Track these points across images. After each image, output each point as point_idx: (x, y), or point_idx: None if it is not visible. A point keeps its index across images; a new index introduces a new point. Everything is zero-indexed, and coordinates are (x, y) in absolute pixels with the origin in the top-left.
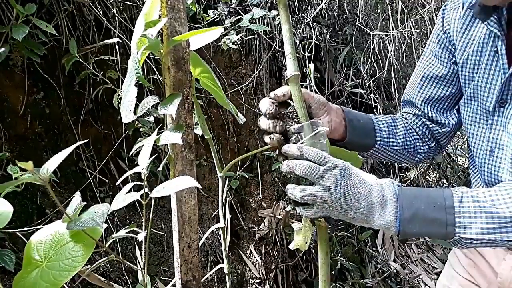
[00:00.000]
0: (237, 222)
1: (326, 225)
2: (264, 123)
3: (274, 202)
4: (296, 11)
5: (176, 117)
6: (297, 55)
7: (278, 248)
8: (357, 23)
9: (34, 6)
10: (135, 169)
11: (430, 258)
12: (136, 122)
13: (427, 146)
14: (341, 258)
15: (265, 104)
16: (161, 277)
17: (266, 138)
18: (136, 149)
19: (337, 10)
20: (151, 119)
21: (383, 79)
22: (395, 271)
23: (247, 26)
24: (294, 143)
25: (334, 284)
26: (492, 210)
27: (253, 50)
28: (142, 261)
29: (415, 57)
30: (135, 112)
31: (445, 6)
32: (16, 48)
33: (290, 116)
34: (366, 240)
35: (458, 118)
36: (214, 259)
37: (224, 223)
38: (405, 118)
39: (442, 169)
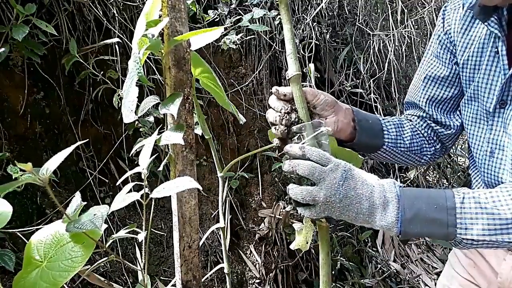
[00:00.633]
0: (237, 222)
1: (327, 225)
2: (272, 115)
3: (274, 202)
4: (296, 11)
5: (177, 117)
6: (297, 55)
7: (278, 248)
8: (357, 23)
9: (34, 6)
10: (136, 169)
11: (430, 258)
12: (136, 122)
13: (433, 148)
14: (341, 258)
15: (274, 101)
16: (161, 277)
17: (272, 129)
18: (136, 149)
19: (337, 10)
20: (151, 119)
21: (383, 79)
22: (395, 271)
23: (247, 26)
24: (296, 142)
25: (334, 284)
26: (493, 211)
27: (253, 50)
28: (142, 261)
29: (415, 57)
30: (136, 112)
31: (446, 6)
32: (16, 48)
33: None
34: (366, 240)
35: (461, 119)
36: (214, 259)
37: (224, 223)
38: (410, 120)
39: (442, 169)
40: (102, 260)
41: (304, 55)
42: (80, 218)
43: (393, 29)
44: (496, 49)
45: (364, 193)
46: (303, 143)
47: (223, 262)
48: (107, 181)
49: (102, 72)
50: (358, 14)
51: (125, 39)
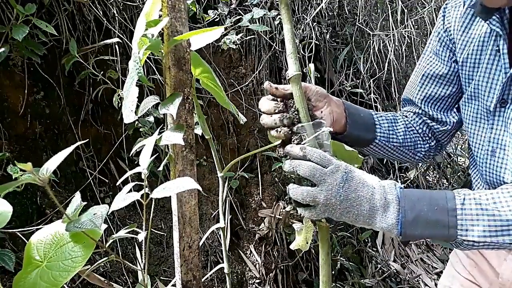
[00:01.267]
0: (237, 222)
1: (327, 226)
2: (269, 119)
3: (274, 202)
4: (296, 11)
5: (177, 117)
6: (298, 55)
7: (278, 248)
8: (357, 23)
9: (34, 6)
10: (136, 169)
11: (430, 258)
12: (136, 122)
13: (427, 145)
14: (341, 258)
15: (267, 103)
16: (161, 277)
17: (273, 132)
18: (136, 149)
19: (337, 10)
20: (151, 119)
21: (383, 79)
22: (395, 271)
23: (247, 26)
24: (298, 143)
25: (334, 284)
26: (494, 212)
27: (253, 50)
28: (142, 261)
29: (415, 57)
30: (136, 112)
31: (446, 4)
32: (16, 48)
33: (293, 111)
34: (366, 240)
35: (458, 116)
36: (214, 259)
37: (224, 223)
38: (406, 116)
39: (442, 169)
40: (102, 260)
41: (304, 55)
42: (80, 218)
43: (393, 29)
44: (497, 48)
45: (365, 195)
46: (304, 144)
47: (223, 262)
48: (107, 181)
49: (102, 72)
50: (358, 14)
51: (125, 39)
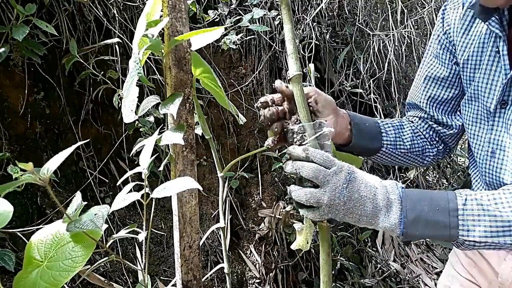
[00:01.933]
0: (237, 222)
1: (327, 226)
2: (268, 112)
3: (274, 202)
4: (296, 11)
5: (177, 117)
6: (298, 55)
7: (278, 248)
8: (357, 23)
9: (34, 6)
10: (136, 169)
11: (430, 258)
12: (136, 122)
13: (435, 149)
14: (341, 258)
15: (265, 97)
16: (161, 277)
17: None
18: (137, 149)
19: (337, 10)
20: (151, 119)
21: (383, 79)
22: (395, 271)
23: (247, 26)
24: (300, 144)
25: (334, 284)
26: (495, 213)
27: (253, 50)
28: (142, 261)
29: (415, 57)
30: (136, 112)
31: (445, 6)
32: (16, 48)
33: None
34: (366, 240)
35: (462, 121)
36: (214, 259)
37: (224, 223)
38: (412, 122)
39: (442, 169)
40: (103, 260)
41: (304, 55)
42: (80, 218)
43: (393, 29)
44: (496, 49)
45: (368, 195)
46: (305, 144)
47: (223, 262)
48: (107, 181)
49: (102, 72)
50: (358, 14)
51: (125, 39)
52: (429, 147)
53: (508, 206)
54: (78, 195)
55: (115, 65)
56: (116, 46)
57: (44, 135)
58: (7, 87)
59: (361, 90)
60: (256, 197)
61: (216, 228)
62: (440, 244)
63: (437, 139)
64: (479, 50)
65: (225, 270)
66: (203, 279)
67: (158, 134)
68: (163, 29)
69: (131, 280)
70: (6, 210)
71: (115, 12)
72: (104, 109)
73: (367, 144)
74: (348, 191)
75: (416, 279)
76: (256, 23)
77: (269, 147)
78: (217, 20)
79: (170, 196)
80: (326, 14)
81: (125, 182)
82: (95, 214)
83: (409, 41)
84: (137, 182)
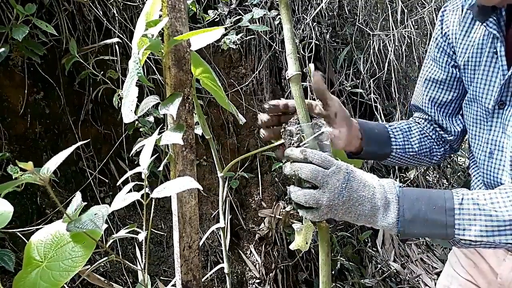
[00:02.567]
0: (237, 222)
1: (327, 226)
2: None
3: (274, 202)
4: (296, 11)
5: (177, 117)
6: (297, 55)
7: (278, 248)
8: (357, 23)
9: (34, 6)
10: (136, 169)
11: (430, 258)
12: (136, 122)
13: (442, 149)
14: (341, 258)
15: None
16: (161, 277)
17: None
18: (137, 149)
19: (337, 10)
20: (151, 119)
21: (383, 79)
22: (395, 271)
23: (247, 26)
24: (298, 146)
25: (334, 284)
26: (491, 213)
27: (253, 50)
28: (142, 261)
29: (415, 57)
30: (136, 112)
31: (445, 8)
32: (16, 48)
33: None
34: (366, 240)
35: (463, 124)
36: (214, 259)
37: (224, 223)
38: (418, 123)
39: (442, 169)
40: (102, 260)
41: (304, 55)
42: (80, 218)
43: (393, 29)
44: (494, 50)
45: (366, 195)
46: (303, 145)
47: (223, 262)
48: (107, 181)
49: (102, 72)
50: (358, 14)
51: (125, 39)
52: (436, 147)
53: (504, 206)
54: (78, 195)
55: (115, 65)
56: (116, 46)
57: (44, 135)
58: (7, 87)
59: (361, 90)
60: (256, 197)
61: (216, 228)
62: (440, 244)
63: (441, 140)
64: (478, 51)
65: (225, 270)
66: (203, 279)
67: (158, 134)
68: (162, 29)
69: (131, 280)
70: (6, 210)
71: (115, 12)
72: (104, 109)
73: (377, 151)
74: (347, 191)
75: (416, 279)
76: (256, 23)
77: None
78: (217, 20)
79: (170, 196)
80: (326, 14)
81: (125, 182)
82: (95, 214)
83: (409, 41)
84: (137, 182)
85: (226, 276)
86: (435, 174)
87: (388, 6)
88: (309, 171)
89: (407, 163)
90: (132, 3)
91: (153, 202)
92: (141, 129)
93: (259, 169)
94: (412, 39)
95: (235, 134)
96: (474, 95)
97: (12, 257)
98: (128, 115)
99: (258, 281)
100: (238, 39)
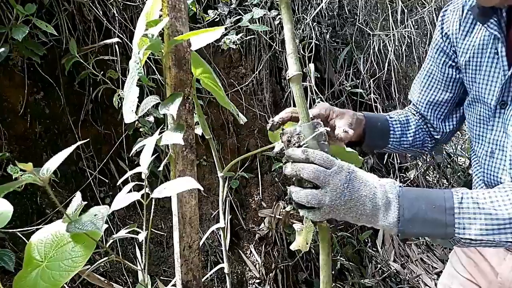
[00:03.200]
0: (237, 222)
1: (327, 226)
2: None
3: (274, 202)
4: (296, 11)
5: (177, 117)
6: (298, 55)
7: (278, 248)
8: (357, 23)
9: (34, 6)
10: (136, 169)
11: (430, 258)
12: (136, 122)
13: (433, 141)
14: (341, 258)
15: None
16: (161, 277)
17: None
18: (137, 149)
19: (337, 10)
20: (151, 119)
21: (383, 79)
22: (395, 271)
23: (247, 26)
24: (298, 146)
25: (334, 284)
26: (491, 211)
27: (253, 50)
28: (142, 261)
29: (415, 57)
30: (136, 112)
31: (445, 8)
32: (16, 48)
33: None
34: (366, 240)
35: (453, 126)
36: (214, 259)
37: (224, 223)
38: (414, 115)
39: (442, 169)
40: (102, 260)
41: (304, 55)
42: (80, 218)
43: (393, 29)
44: (495, 50)
45: (367, 195)
46: (303, 144)
47: (223, 262)
48: (107, 181)
49: (102, 72)
50: (358, 14)
51: (125, 39)
52: (429, 139)
53: (503, 205)
54: (78, 195)
55: (115, 65)
56: (116, 46)
57: (44, 135)
58: (7, 87)
59: (361, 90)
60: (256, 197)
61: (216, 228)
62: (440, 244)
63: (431, 135)
64: (479, 52)
65: (225, 270)
66: (203, 279)
67: (158, 134)
68: (163, 29)
69: (131, 280)
70: (6, 210)
71: (115, 12)
72: (104, 109)
73: (375, 143)
74: (349, 190)
75: (416, 279)
76: (256, 23)
77: (274, 123)
78: (217, 20)
79: (170, 196)
80: (326, 14)
81: (125, 182)
82: (95, 215)
83: (409, 41)
84: (137, 182)
85: (226, 276)
86: (435, 174)
87: (388, 6)
88: (311, 171)
89: (398, 152)
90: (132, 3)
91: (153, 202)
92: (141, 129)
93: (259, 169)
94: (412, 39)
95: (235, 134)
96: (477, 95)
97: (12, 257)
98: (129, 115)
99: (258, 281)
100: (238, 39)
